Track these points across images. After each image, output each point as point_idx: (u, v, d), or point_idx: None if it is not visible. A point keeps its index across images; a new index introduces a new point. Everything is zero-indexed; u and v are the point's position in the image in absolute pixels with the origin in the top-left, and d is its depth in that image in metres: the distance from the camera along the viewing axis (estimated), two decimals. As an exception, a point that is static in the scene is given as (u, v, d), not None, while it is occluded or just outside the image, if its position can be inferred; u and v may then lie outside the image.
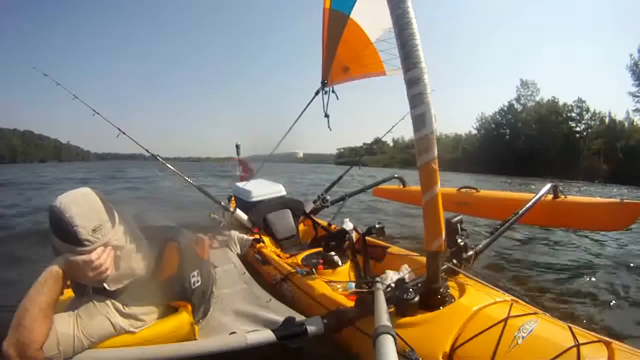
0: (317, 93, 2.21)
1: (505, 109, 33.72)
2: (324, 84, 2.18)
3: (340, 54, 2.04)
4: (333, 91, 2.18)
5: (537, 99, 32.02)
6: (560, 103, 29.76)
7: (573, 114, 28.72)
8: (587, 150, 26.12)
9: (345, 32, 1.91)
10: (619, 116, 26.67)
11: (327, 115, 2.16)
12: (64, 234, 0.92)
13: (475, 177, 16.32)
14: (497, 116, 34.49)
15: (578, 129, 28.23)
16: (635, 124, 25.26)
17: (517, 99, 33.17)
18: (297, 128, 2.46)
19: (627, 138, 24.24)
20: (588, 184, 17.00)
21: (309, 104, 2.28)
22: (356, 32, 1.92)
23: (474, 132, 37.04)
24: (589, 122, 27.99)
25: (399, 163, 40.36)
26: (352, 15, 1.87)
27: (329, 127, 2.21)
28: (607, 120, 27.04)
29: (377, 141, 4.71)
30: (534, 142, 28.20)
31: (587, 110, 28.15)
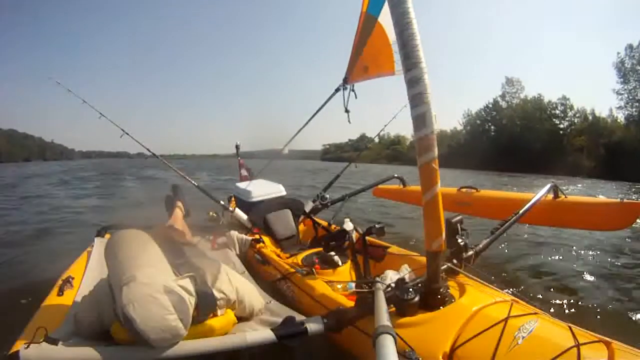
0: (337, 90, 2.30)
1: (490, 105, 33.71)
2: (345, 81, 2.26)
3: (365, 55, 2.13)
4: (353, 89, 2.26)
5: (522, 96, 32.03)
6: (545, 100, 29.79)
7: (557, 111, 28.78)
8: (570, 146, 26.10)
9: (373, 34, 2.00)
10: (603, 114, 26.70)
11: (347, 111, 2.29)
12: None
13: (460, 173, 16.30)
14: (483, 112, 34.45)
15: (562, 125, 28.29)
16: (618, 120, 25.30)
17: (502, 96, 33.14)
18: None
19: (610, 135, 24.27)
20: (571, 179, 16.81)
21: (327, 100, 2.36)
22: (380, 33, 1.99)
23: (460, 127, 36.92)
24: (573, 119, 28.05)
25: (386, 159, 40.80)
26: (379, 18, 1.94)
27: (349, 121, 2.34)
28: (590, 117, 27.04)
29: (370, 140, 4.79)
30: (518, 138, 28.10)
31: (571, 107, 28.23)
